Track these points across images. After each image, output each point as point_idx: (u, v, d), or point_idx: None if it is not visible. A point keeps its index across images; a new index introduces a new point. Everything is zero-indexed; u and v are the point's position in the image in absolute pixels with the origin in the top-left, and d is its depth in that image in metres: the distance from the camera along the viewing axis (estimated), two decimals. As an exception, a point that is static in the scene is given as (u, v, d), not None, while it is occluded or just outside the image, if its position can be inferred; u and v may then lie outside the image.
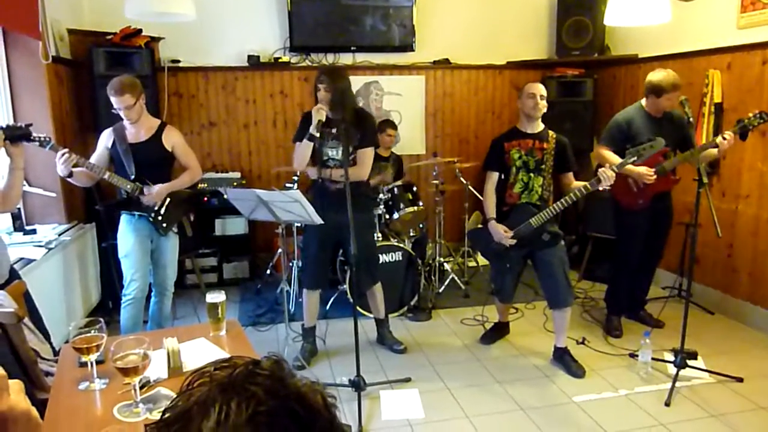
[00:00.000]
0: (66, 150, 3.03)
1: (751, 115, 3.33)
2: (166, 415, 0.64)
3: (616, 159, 3.65)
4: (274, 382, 0.63)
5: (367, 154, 3.51)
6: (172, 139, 3.46)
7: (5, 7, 3.39)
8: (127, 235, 3.41)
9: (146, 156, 3.35)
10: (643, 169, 3.57)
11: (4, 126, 2.61)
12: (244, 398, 0.60)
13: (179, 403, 0.63)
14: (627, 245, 3.98)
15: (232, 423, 0.59)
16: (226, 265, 5.16)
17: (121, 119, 3.35)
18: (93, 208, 4.36)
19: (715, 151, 3.49)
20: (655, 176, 3.60)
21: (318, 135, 3.32)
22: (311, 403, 0.64)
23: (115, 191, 3.47)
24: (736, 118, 3.48)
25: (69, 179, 3.19)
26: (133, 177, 3.32)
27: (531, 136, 3.52)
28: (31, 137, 2.73)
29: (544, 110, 3.51)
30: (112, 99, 3.22)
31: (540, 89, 3.49)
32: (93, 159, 3.30)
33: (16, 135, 2.62)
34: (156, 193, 3.35)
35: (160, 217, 3.42)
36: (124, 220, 3.43)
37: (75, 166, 3.09)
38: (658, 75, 3.69)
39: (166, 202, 3.44)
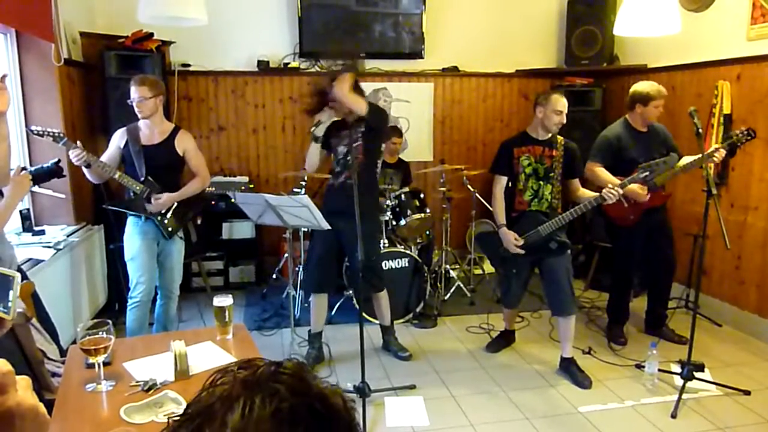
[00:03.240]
0: (78, 148, 3.05)
1: (738, 132, 3.44)
2: (189, 410, 0.65)
3: (608, 175, 3.67)
4: (297, 381, 0.65)
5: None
6: (184, 144, 3.48)
7: (19, 9, 3.42)
8: (134, 238, 3.42)
9: (158, 159, 3.37)
10: (637, 187, 3.56)
11: (32, 170, 2.60)
12: (267, 394, 0.62)
13: (203, 398, 0.65)
14: (623, 261, 4.01)
15: (256, 416, 0.60)
16: (233, 268, 5.17)
17: (134, 120, 3.38)
18: (101, 209, 4.38)
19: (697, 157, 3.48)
20: (648, 195, 3.62)
21: (319, 135, 3.40)
22: (332, 403, 0.66)
23: (124, 192, 3.49)
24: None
25: (86, 169, 3.21)
26: (142, 179, 3.34)
27: (541, 142, 3.51)
28: (63, 173, 2.71)
29: None
30: (131, 88, 3.27)
31: (566, 105, 3.44)
32: (104, 157, 3.32)
33: (42, 174, 2.60)
34: (163, 201, 3.37)
35: (166, 221, 3.43)
36: (131, 222, 3.45)
37: (87, 165, 3.12)
38: (642, 85, 3.77)
39: (173, 206, 3.46)
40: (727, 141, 3.48)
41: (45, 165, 2.69)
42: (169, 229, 3.44)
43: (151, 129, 3.40)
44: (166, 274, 3.59)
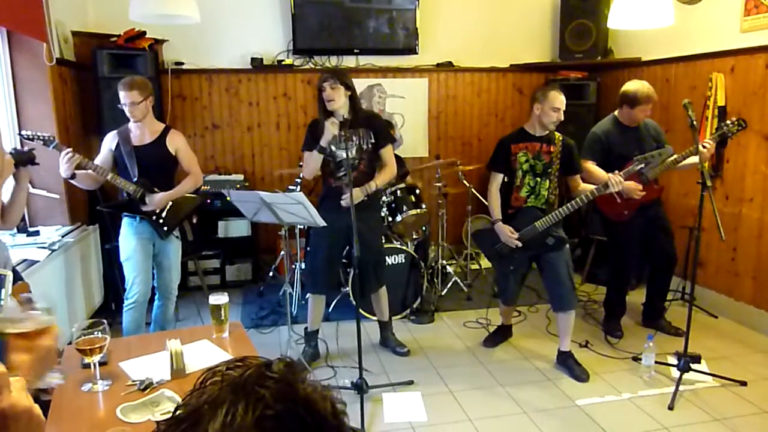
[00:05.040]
0: (70, 149, 3.04)
1: (729, 122, 3.44)
2: (178, 412, 0.64)
3: (600, 171, 3.66)
4: (283, 386, 0.63)
5: (388, 152, 3.55)
6: (175, 143, 3.46)
7: (10, 9, 3.40)
8: (129, 238, 3.41)
9: (150, 159, 3.36)
10: (631, 184, 3.56)
11: (12, 150, 2.63)
12: (252, 401, 0.60)
13: (191, 400, 0.64)
14: (620, 257, 4.01)
15: (237, 425, 0.59)
16: (229, 267, 5.16)
17: (126, 121, 3.36)
18: (96, 209, 4.37)
19: (695, 158, 3.40)
20: (643, 192, 3.62)
21: (328, 148, 3.37)
22: (319, 409, 0.64)
23: (118, 193, 3.47)
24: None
25: (72, 181, 3.19)
26: (135, 179, 3.32)
27: (539, 139, 3.50)
28: (35, 161, 2.72)
29: None
30: (120, 93, 3.24)
31: (564, 102, 3.42)
32: (97, 161, 3.31)
33: (23, 159, 2.63)
34: (157, 201, 3.35)
35: (161, 221, 3.42)
36: (126, 223, 3.43)
37: (78, 167, 3.10)
38: (633, 86, 3.73)
39: (168, 206, 3.44)
40: (719, 132, 3.47)
41: (22, 149, 2.74)
42: (165, 228, 3.43)
43: (142, 129, 3.38)
44: (164, 275, 3.57)
